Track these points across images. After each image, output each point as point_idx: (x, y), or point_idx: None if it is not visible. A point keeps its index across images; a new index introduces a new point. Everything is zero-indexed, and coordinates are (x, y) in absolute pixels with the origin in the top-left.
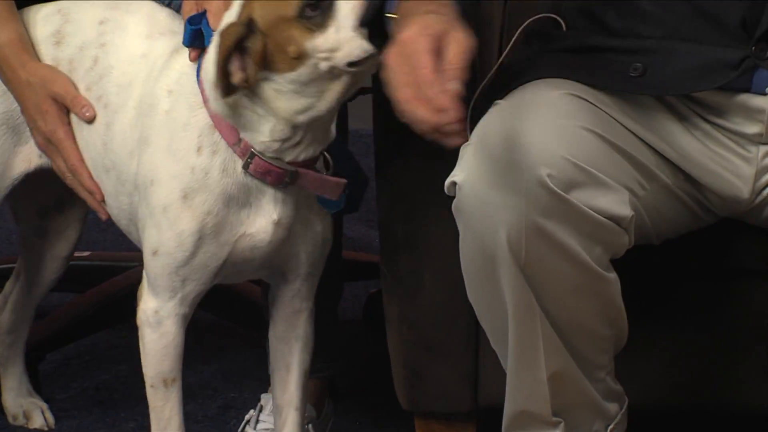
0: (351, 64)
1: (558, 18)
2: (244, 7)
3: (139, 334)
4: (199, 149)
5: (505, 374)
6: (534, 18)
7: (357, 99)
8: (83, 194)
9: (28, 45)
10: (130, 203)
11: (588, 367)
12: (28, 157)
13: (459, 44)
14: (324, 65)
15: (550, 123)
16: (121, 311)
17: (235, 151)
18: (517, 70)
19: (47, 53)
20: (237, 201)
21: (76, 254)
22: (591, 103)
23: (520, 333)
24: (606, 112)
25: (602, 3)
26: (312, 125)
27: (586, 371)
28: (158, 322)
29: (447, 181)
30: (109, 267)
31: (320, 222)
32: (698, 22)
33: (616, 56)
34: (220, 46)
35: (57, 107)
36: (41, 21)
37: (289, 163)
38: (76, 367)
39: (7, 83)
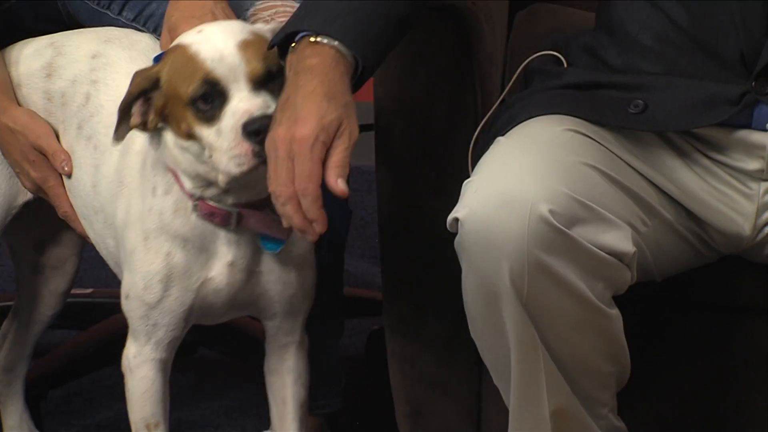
0: (242, 174)
1: (559, 55)
2: (157, 65)
3: (125, 379)
4: (154, 189)
5: (507, 411)
6: (535, 55)
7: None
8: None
9: (8, 89)
10: (115, 246)
11: (590, 403)
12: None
13: (346, 139)
14: (207, 155)
15: (551, 159)
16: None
17: (184, 193)
18: (519, 106)
19: (38, 86)
20: (193, 244)
21: (79, 291)
22: (592, 139)
23: (523, 369)
24: (607, 148)
25: (603, 38)
26: (229, 183)
27: (589, 408)
28: (137, 367)
29: (449, 218)
30: (111, 304)
31: (292, 260)
32: (698, 56)
33: (616, 92)
34: (129, 89)
35: (42, 156)
36: (32, 54)
37: (234, 204)
38: (78, 405)
39: None
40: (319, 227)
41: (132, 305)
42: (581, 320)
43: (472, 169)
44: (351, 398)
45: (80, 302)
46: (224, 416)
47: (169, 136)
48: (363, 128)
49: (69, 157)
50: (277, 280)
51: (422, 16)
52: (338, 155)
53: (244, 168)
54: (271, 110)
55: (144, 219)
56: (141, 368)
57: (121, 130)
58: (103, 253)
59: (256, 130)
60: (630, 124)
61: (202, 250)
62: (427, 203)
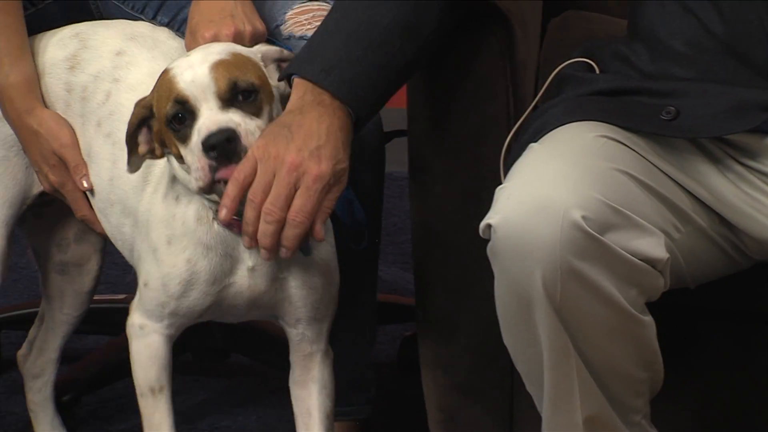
0: (200, 189)
1: (591, 62)
2: (152, 91)
3: (129, 345)
4: (177, 197)
5: (540, 417)
6: (567, 62)
7: (392, 142)
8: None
9: (36, 88)
10: (132, 234)
11: (623, 410)
12: (38, 180)
13: (341, 189)
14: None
15: (584, 165)
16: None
17: (206, 202)
18: (551, 113)
19: (60, 77)
20: (216, 251)
21: (111, 297)
22: (625, 145)
23: (556, 376)
24: (640, 154)
25: (635, 45)
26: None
27: (622, 414)
28: (144, 336)
29: (482, 224)
30: None
31: (316, 265)
32: (730, 63)
33: (648, 99)
34: (130, 118)
35: (62, 162)
36: (56, 43)
37: None
38: (111, 410)
39: (10, 122)
40: (284, 254)
41: (150, 294)
42: (614, 327)
43: (505, 176)
44: (383, 405)
45: (113, 308)
46: (256, 422)
47: (172, 159)
48: (396, 134)
49: (88, 173)
50: (301, 285)
51: (425, 62)
52: (331, 201)
53: (200, 185)
54: (232, 125)
55: (168, 224)
56: (148, 336)
57: (133, 161)
58: (119, 244)
59: (210, 145)
60: (662, 130)
61: (226, 256)
62: (459, 209)
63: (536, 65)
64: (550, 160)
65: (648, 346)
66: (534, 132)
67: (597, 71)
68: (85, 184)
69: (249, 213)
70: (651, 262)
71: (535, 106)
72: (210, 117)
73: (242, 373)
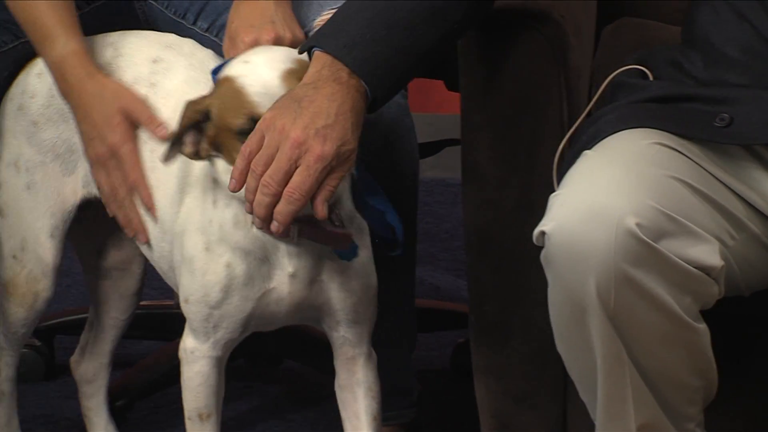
0: None
1: (645, 69)
2: (206, 98)
3: (181, 368)
4: (215, 202)
5: (593, 425)
6: (621, 69)
7: (444, 149)
8: (126, 219)
9: (93, 57)
10: (170, 250)
11: (677, 418)
12: (74, 189)
13: (347, 168)
14: None
15: (638, 172)
16: None
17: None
18: (604, 120)
19: None
20: (254, 255)
21: (163, 303)
22: (679, 152)
23: (609, 383)
24: (694, 161)
25: (688, 52)
26: None
27: (676, 423)
28: (194, 362)
29: (536, 231)
30: None
31: (353, 268)
32: None
33: (702, 105)
34: (181, 120)
35: (128, 124)
36: (92, 51)
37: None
38: (164, 416)
39: (68, 95)
40: (275, 228)
41: (192, 308)
42: (668, 334)
43: (557, 183)
44: (436, 411)
45: (165, 313)
46: (309, 428)
47: (220, 163)
48: (449, 142)
49: (165, 122)
50: (339, 288)
51: (445, 53)
52: (334, 180)
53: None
54: None
55: (205, 230)
56: (198, 362)
57: (170, 155)
58: (155, 256)
59: None
60: (716, 137)
61: (264, 261)
62: (512, 216)
63: (590, 72)
64: (604, 167)
65: (702, 354)
66: (587, 139)
67: (650, 78)
68: (161, 133)
69: (250, 182)
70: (705, 269)
71: (589, 113)
72: None
73: (295, 379)
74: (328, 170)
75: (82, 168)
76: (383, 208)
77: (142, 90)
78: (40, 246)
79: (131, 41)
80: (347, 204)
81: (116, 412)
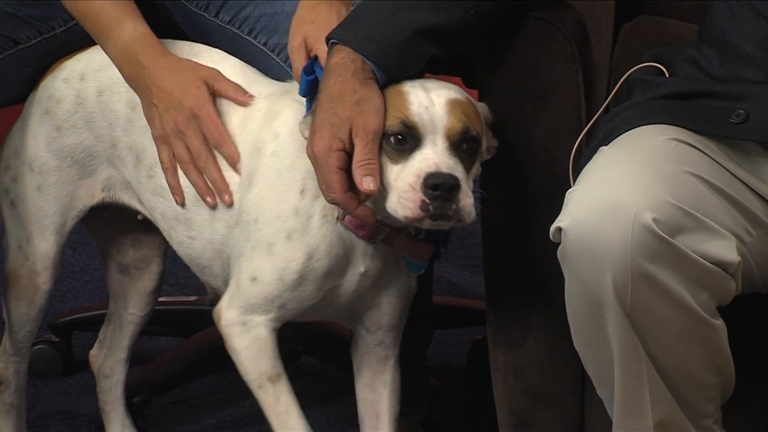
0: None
1: (661, 66)
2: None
3: (229, 345)
4: (302, 191)
5: (611, 422)
6: (637, 67)
7: None
8: (208, 183)
9: (158, 40)
10: (226, 234)
11: (695, 415)
12: (91, 191)
13: (362, 136)
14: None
15: (655, 167)
16: (227, 356)
17: None
18: (621, 117)
19: (122, 95)
20: (336, 250)
21: (183, 299)
22: (696, 148)
23: (626, 380)
24: (711, 157)
25: (705, 49)
26: (385, 218)
27: (693, 419)
28: (248, 330)
29: (552, 227)
30: None
31: (407, 275)
32: None
33: (718, 102)
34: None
35: (206, 89)
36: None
37: (380, 222)
38: (182, 411)
39: (137, 76)
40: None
41: (258, 287)
42: (685, 330)
43: (574, 180)
44: (453, 408)
45: (184, 309)
46: (326, 423)
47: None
48: None
49: (248, 91)
50: (392, 294)
51: (456, 29)
52: (359, 155)
53: (408, 214)
54: (456, 173)
55: (286, 219)
56: (254, 329)
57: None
58: (199, 244)
59: (434, 184)
60: (732, 133)
61: (343, 257)
62: (531, 213)
63: (608, 70)
64: (620, 163)
65: (719, 351)
66: (604, 136)
67: (667, 75)
68: (243, 99)
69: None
70: (722, 265)
71: (606, 110)
72: (440, 155)
73: (312, 375)
74: (336, 156)
75: (104, 172)
76: None
77: None
78: (44, 241)
79: None
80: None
81: (134, 407)
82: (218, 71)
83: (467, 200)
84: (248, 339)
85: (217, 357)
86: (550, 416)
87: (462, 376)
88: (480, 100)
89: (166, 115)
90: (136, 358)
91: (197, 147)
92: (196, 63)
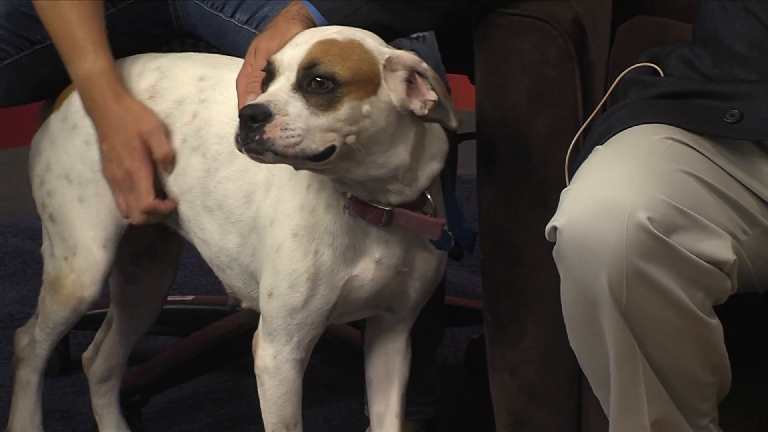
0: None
1: (656, 66)
2: None
3: (259, 381)
4: (308, 186)
5: (607, 421)
6: (632, 67)
7: (461, 144)
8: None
9: (119, 77)
10: (242, 244)
11: (691, 414)
12: None
13: (253, 52)
14: None
15: (649, 166)
16: (224, 355)
17: (338, 190)
18: (616, 117)
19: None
20: (341, 241)
21: (180, 298)
22: (691, 147)
23: (622, 378)
24: (706, 156)
25: (699, 50)
26: (362, 183)
27: (689, 418)
28: (277, 369)
29: (547, 226)
30: (212, 311)
31: (433, 259)
32: None
33: (712, 101)
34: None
35: (143, 147)
36: (137, 75)
37: (387, 204)
38: (179, 411)
39: (91, 112)
40: None
41: (275, 304)
42: (680, 329)
43: (569, 179)
44: (450, 407)
45: (181, 309)
46: (323, 423)
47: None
48: (465, 136)
49: (166, 141)
50: (419, 277)
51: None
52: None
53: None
54: (275, 104)
55: (293, 216)
56: (282, 369)
57: None
58: (213, 250)
59: (239, 114)
60: (726, 132)
61: (350, 247)
62: (527, 212)
63: (605, 69)
64: (614, 162)
65: (715, 349)
66: (599, 135)
67: (662, 75)
68: (161, 151)
69: None
70: (718, 264)
71: (602, 110)
72: (276, 89)
73: (310, 375)
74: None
75: None
76: (458, 215)
77: (191, 107)
78: (92, 255)
79: (177, 64)
80: (437, 198)
81: (131, 407)
82: (161, 127)
83: (276, 132)
84: (276, 381)
85: (214, 356)
86: (547, 415)
87: (459, 375)
88: (477, 99)
89: (108, 165)
90: (132, 358)
91: (131, 206)
92: (143, 113)
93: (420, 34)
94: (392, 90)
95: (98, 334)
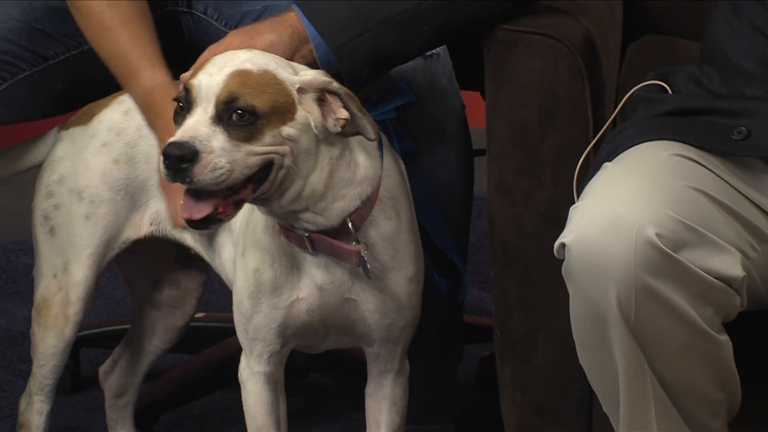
0: None
1: (664, 84)
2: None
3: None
4: (253, 208)
5: None
6: (641, 85)
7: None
8: None
9: (177, 89)
10: (230, 258)
11: (701, 431)
12: (138, 224)
13: None
14: None
15: (657, 183)
16: (235, 373)
17: None
18: (624, 134)
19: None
20: (280, 262)
21: None
22: (699, 163)
23: (631, 395)
24: (714, 173)
25: (706, 68)
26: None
27: None
28: (246, 380)
29: (556, 243)
30: (224, 328)
31: (388, 291)
32: None
33: (719, 119)
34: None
35: None
36: None
37: (305, 230)
38: (189, 428)
39: (155, 124)
40: None
41: (235, 317)
42: (690, 345)
43: (578, 195)
44: (461, 424)
45: (192, 326)
46: None
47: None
48: (475, 153)
49: None
50: (375, 309)
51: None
52: None
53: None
54: (200, 141)
55: (245, 235)
56: (249, 381)
57: None
58: (227, 265)
59: (163, 153)
60: (734, 149)
61: (292, 269)
62: (537, 230)
63: (615, 87)
64: (623, 178)
65: (724, 366)
66: (608, 153)
67: (670, 93)
68: None
69: None
70: (727, 280)
71: (608, 128)
72: (194, 121)
73: (320, 392)
74: None
75: (154, 206)
76: (451, 249)
77: None
78: (81, 270)
79: None
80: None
81: (142, 424)
82: None
83: (205, 174)
84: (246, 392)
85: (224, 374)
86: None
87: (470, 392)
88: (487, 115)
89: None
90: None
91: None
92: None
93: (433, 51)
94: (308, 111)
95: (117, 350)
